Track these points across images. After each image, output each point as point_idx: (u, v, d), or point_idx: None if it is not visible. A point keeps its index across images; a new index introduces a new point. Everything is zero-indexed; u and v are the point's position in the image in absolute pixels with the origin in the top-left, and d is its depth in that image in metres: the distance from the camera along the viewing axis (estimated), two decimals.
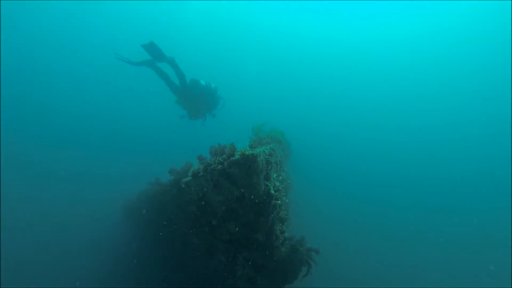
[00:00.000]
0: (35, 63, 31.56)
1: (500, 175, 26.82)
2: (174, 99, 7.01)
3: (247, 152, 2.89)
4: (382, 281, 9.64)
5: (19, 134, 19.27)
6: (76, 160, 17.03)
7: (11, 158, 13.77)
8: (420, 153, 32.91)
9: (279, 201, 3.32)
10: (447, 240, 14.06)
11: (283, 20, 36.77)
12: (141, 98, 34.33)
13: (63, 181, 12.98)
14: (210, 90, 6.84)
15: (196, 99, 6.64)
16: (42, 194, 11.07)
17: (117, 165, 17.21)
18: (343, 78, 41.94)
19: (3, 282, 6.04)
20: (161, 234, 4.03)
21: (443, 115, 36.54)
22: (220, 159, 3.02)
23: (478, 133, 34.19)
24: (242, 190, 3.09)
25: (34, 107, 26.35)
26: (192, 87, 6.54)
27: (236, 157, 2.91)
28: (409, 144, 34.80)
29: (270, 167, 3.24)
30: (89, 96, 32.42)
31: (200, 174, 3.11)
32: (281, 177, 4.06)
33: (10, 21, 29.71)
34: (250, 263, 3.49)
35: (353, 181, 24.09)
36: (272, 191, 3.17)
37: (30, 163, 14.50)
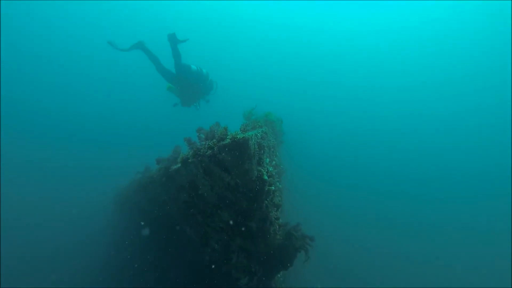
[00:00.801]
0: (34, 63, 31.13)
1: (500, 169, 26.36)
2: (166, 87, 6.78)
3: (238, 136, 2.67)
4: (376, 273, 9.36)
5: (17, 133, 19.04)
6: (74, 157, 16.77)
7: (10, 158, 13.54)
8: (419, 144, 32.58)
9: (273, 187, 3.13)
10: (446, 235, 13.59)
11: (280, 11, 36.15)
12: (134, 92, 34.13)
13: (62, 180, 12.77)
14: (202, 75, 6.60)
15: (188, 84, 6.41)
16: (41, 193, 10.87)
17: (115, 159, 16.99)
18: (338, 69, 41.41)
19: (3, 282, 5.88)
20: (154, 223, 3.85)
21: (442, 107, 36.18)
22: (210, 144, 2.80)
23: (478, 128, 33.79)
24: (234, 177, 2.89)
25: (29, 106, 26.07)
26: (184, 71, 6.31)
27: (226, 142, 2.71)
28: (407, 136, 34.46)
29: (262, 151, 3.03)
30: (85, 94, 32.13)
31: (189, 161, 2.91)
32: (274, 162, 3.86)
33: (10, 21, 29.22)
34: (244, 251, 3.32)
35: (350, 172, 23.84)
36: (266, 177, 2.96)
37: (29, 162, 14.28)
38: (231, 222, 3.19)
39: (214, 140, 2.81)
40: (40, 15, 31.32)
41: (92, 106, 30.56)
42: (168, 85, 6.69)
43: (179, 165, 3.01)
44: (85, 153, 18.13)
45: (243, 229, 3.20)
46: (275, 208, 3.28)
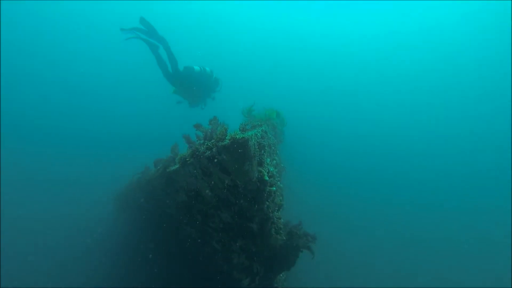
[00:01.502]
0: (34, 64, 30.84)
1: (500, 173, 25.64)
2: (172, 91, 6.61)
3: (237, 136, 2.53)
4: (375, 275, 9.21)
5: (17, 135, 18.87)
6: (75, 161, 16.52)
7: (10, 160, 13.43)
8: (418, 149, 31.75)
9: (274, 188, 3.00)
10: (445, 240, 13.15)
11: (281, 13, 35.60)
12: (133, 92, 33.97)
13: (61, 183, 12.63)
14: (206, 74, 6.41)
15: (190, 86, 6.25)
16: (42, 196, 10.76)
17: (116, 160, 16.79)
18: (340, 70, 40.80)
19: (3, 282, 5.80)
20: (154, 223, 3.74)
21: (441, 111, 35.40)
22: (208, 144, 2.66)
23: (477, 131, 33.07)
24: (234, 178, 2.76)
25: (29, 107, 25.88)
26: (187, 74, 6.14)
27: (225, 142, 2.57)
28: (406, 141, 33.59)
29: (263, 151, 2.90)
30: (84, 93, 31.92)
31: (188, 161, 2.77)
32: (274, 161, 3.72)
33: (10, 21, 28.85)
34: (245, 251, 3.21)
35: (348, 174, 23.21)
36: (266, 177, 2.82)
37: (29, 165, 14.15)
38: (231, 223, 3.08)
39: (213, 141, 2.67)
40: (40, 15, 30.91)
41: (91, 106, 30.39)
42: (174, 89, 6.52)
43: (177, 165, 2.88)
44: (85, 155, 17.97)
45: (244, 230, 3.09)
46: (277, 208, 3.16)
